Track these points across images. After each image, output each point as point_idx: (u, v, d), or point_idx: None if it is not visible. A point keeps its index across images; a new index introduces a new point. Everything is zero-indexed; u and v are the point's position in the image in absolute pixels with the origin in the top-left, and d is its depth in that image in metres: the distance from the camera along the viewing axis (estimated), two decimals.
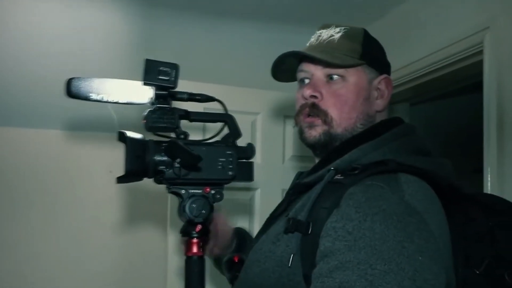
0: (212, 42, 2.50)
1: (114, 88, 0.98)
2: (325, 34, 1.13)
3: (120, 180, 0.99)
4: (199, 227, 1.04)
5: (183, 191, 1.04)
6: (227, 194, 2.22)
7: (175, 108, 1.03)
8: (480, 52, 1.84)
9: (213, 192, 1.06)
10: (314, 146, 1.11)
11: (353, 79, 1.08)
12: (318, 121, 1.08)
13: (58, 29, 2.25)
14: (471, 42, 1.87)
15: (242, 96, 2.42)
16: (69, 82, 0.97)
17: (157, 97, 1.01)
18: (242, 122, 2.58)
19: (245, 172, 1.11)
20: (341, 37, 1.11)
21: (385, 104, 1.11)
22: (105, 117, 2.47)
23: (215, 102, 1.14)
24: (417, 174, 0.95)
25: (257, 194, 2.45)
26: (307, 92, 1.09)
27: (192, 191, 1.04)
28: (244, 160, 1.09)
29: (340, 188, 0.91)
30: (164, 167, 1.00)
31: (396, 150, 1.02)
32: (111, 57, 2.36)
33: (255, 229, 1.98)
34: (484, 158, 1.81)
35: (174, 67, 1.00)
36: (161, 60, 0.99)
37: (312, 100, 1.08)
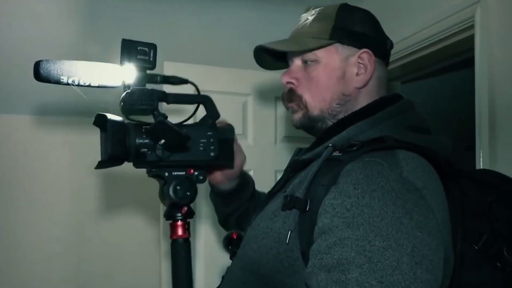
0: (201, 22, 2.47)
1: (85, 70, 0.94)
2: (303, 18, 1.14)
3: (100, 165, 0.97)
4: (184, 209, 1.03)
5: (166, 174, 1.02)
6: None
7: (153, 90, 1.00)
8: (472, 27, 1.83)
9: (196, 173, 1.05)
10: (302, 128, 1.13)
11: (324, 60, 1.08)
12: (295, 106, 1.12)
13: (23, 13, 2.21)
14: (462, 16, 1.86)
15: (233, 77, 2.41)
16: (37, 65, 0.92)
17: (135, 78, 0.98)
18: (233, 103, 2.59)
19: (227, 153, 1.12)
20: (313, 19, 1.11)
21: (367, 79, 1.08)
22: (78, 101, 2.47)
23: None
24: (415, 151, 0.95)
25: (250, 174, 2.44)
26: (283, 79, 1.13)
27: (176, 173, 1.03)
28: (224, 140, 1.09)
29: (338, 164, 0.91)
30: (146, 149, 0.98)
31: (394, 127, 1.02)
32: (89, 40, 2.32)
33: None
34: (476, 135, 1.81)
35: (152, 47, 0.98)
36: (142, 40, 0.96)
37: (289, 86, 1.12)
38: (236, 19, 2.40)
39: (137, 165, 1.01)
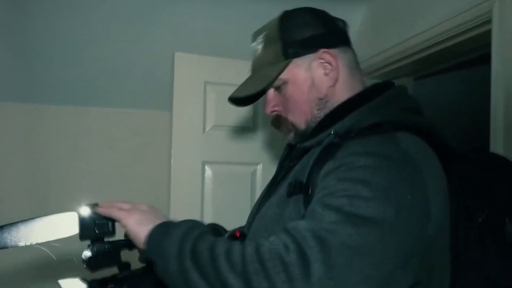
0: (212, 13, 2.44)
1: (39, 229, 0.97)
2: (254, 48, 1.19)
3: None
4: None
5: None
6: (230, 169, 2.20)
7: (114, 244, 1.02)
8: (488, 22, 1.78)
9: None
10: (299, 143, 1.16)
11: (290, 79, 1.11)
12: (285, 129, 1.18)
13: None
14: (479, 11, 1.81)
15: (243, 69, 2.37)
16: None
17: (93, 241, 1.01)
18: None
19: None
20: (262, 48, 1.16)
21: (336, 74, 1.11)
22: (97, 91, 2.48)
23: None
24: (414, 133, 0.98)
25: (259, 168, 2.45)
26: (266, 111, 1.19)
27: None
28: None
29: (337, 147, 0.95)
30: None
31: (394, 111, 1.04)
32: (110, 26, 2.31)
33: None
34: (491, 134, 1.77)
35: (109, 219, 1.00)
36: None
37: (274, 113, 1.18)
38: (249, 10, 2.37)
39: None
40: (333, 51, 1.10)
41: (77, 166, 2.54)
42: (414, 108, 1.09)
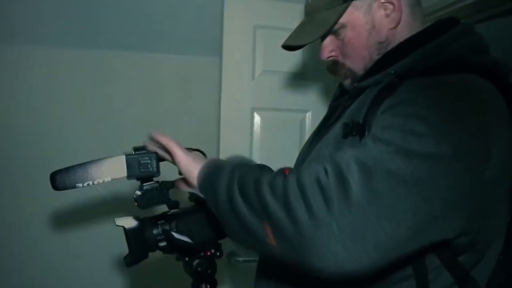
0: None
1: (95, 170, 1.02)
2: None
3: (130, 265, 1.05)
4: (208, 286, 1.14)
5: (186, 258, 1.12)
6: (279, 115, 2.16)
7: (162, 184, 1.09)
8: None
9: (213, 251, 1.14)
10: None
11: (349, 23, 1.05)
12: (342, 75, 1.15)
13: None
14: None
15: (292, 13, 2.32)
16: (52, 177, 1.00)
17: (143, 182, 1.07)
18: None
19: None
20: None
21: (399, 15, 1.04)
22: (144, 36, 2.46)
23: None
24: (481, 74, 0.91)
25: (308, 115, 2.41)
26: (323, 57, 1.14)
27: (196, 260, 1.12)
28: None
29: (396, 86, 0.90)
30: (164, 243, 1.07)
31: (460, 50, 0.97)
32: None
33: None
34: None
35: (153, 156, 1.05)
36: None
37: (331, 59, 1.14)
38: None
39: (164, 253, 1.11)
40: None
41: (127, 112, 2.58)
42: (482, 47, 1.01)
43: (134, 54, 2.56)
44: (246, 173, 0.91)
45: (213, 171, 0.96)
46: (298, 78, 2.38)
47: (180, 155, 1.03)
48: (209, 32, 2.46)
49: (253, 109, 2.34)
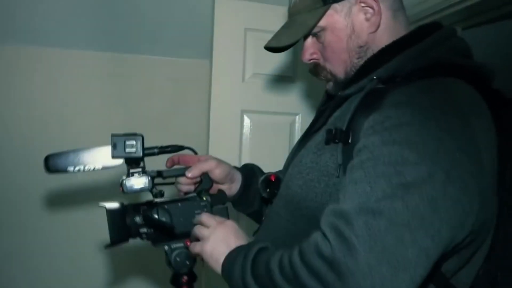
0: None
1: (88, 157, 1.06)
2: None
3: (108, 246, 1.07)
4: (185, 278, 1.14)
5: (166, 247, 1.13)
6: (269, 118, 2.17)
7: (147, 171, 1.11)
8: None
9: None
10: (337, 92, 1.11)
11: (329, 25, 1.06)
12: (323, 78, 1.15)
13: None
14: None
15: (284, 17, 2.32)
16: (46, 160, 1.05)
17: (128, 164, 1.10)
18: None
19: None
20: None
21: (378, 19, 1.04)
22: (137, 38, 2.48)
23: None
24: (464, 78, 0.92)
25: (298, 118, 2.43)
26: (304, 59, 1.14)
27: (174, 245, 1.13)
28: (219, 207, 1.17)
29: (381, 94, 0.89)
30: (144, 229, 1.09)
31: (442, 54, 0.98)
32: None
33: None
34: None
35: (139, 138, 1.07)
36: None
37: (312, 62, 1.13)
38: None
39: (141, 239, 1.12)
40: None
41: (118, 112, 2.58)
42: (464, 51, 1.02)
43: (125, 55, 2.57)
44: (256, 261, 0.92)
45: (229, 270, 0.97)
46: (288, 81, 2.39)
47: (202, 251, 1.04)
48: (200, 35, 2.47)
49: (243, 112, 2.35)
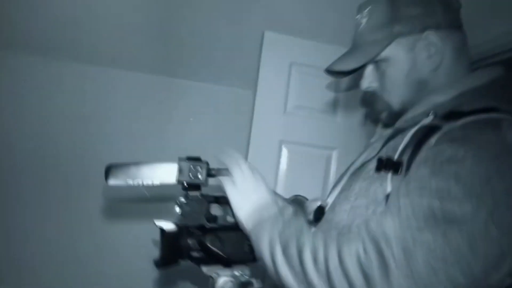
0: None
1: (147, 172, 1.07)
2: (358, 21, 1.14)
3: (159, 267, 1.07)
4: None
5: (214, 274, 1.11)
6: (307, 150, 2.15)
7: (205, 197, 1.12)
8: None
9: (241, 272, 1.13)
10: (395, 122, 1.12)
11: (391, 57, 1.07)
12: (379, 107, 1.16)
13: None
14: None
15: (331, 54, 2.36)
16: (107, 170, 1.06)
17: (188, 188, 1.09)
18: (327, 81, 2.49)
19: None
20: (367, 21, 1.11)
21: (440, 58, 1.05)
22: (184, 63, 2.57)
23: None
24: None
25: (334, 153, 2.45)
26: (362, 86, 1.15)
27: (222, 273, 1.11)
28: None
29: (435, 129, 0.91)
30: (196, 253, 1.09)
31: (501, 95, 0.98)
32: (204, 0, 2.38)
33: (329, 188, 1.96)
34: None
35: (204, 166, 1.09)
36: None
37: (370, 90, 1.15)
38: None
39: (191, 262, 1.12)
40: (442, 32, 1.04)
41: (161, 135, 2.67)
42: None
43: (171, 79, 2.67)
44: (286, 232, 0.94)
45: (257, 225, 1.01)
46: (328, 116, 2.43)
47: (229, 193, 1.08)
48: (245, 65, 2.54)
49: (281, 142, 2.39)
